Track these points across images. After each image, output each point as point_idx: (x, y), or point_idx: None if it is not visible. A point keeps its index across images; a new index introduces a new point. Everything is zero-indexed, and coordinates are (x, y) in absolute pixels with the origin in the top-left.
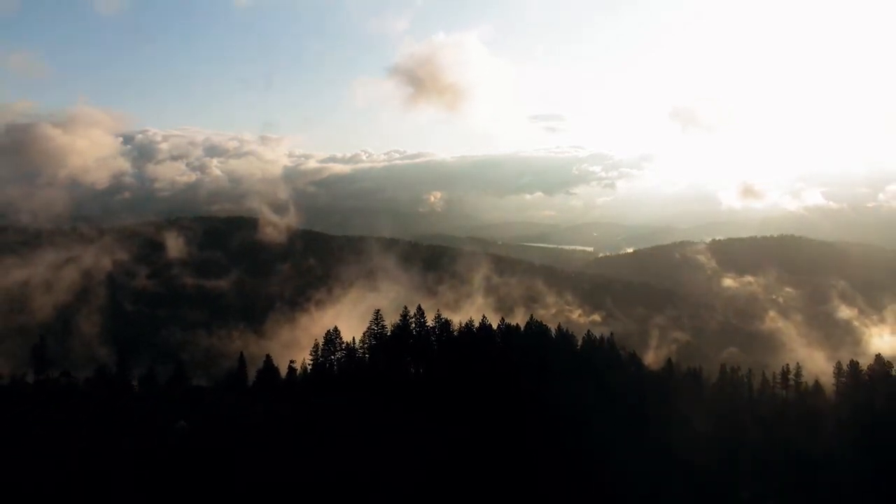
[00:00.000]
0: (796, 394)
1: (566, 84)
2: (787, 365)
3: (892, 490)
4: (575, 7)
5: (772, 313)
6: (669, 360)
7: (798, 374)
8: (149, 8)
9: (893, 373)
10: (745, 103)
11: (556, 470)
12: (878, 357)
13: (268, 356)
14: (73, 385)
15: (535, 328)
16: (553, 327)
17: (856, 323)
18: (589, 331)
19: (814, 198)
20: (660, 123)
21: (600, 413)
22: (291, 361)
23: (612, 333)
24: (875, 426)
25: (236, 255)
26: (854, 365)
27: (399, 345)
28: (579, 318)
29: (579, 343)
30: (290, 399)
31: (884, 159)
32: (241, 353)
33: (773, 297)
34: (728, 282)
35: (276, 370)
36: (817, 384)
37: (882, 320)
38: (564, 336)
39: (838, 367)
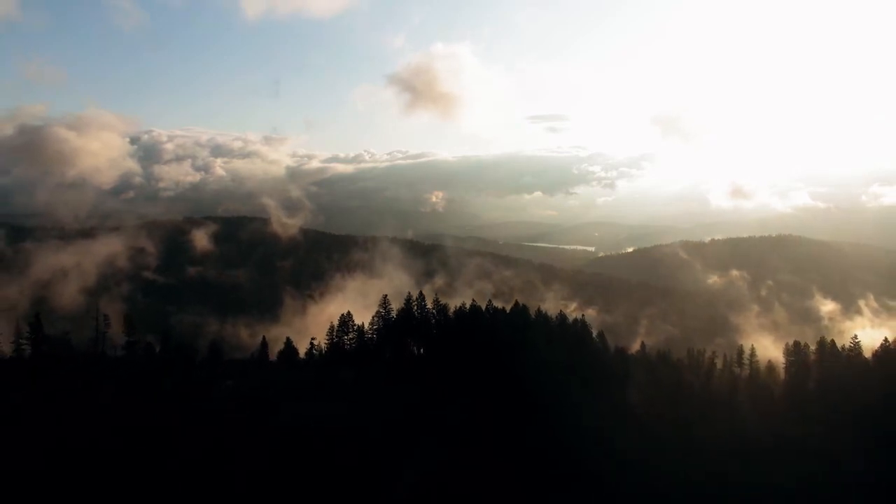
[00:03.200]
0: (750, 371)
1: (567, 85)
2: (742, 346)
3: (803, 452)
4: (575, 10)
5: (758, 308)
6: (643, 343)
7: (752, 355)
8: (162, 19)
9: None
10: (743, 105)
11: (531, 425)
12: (822, 340)
13: (288, 338)
14: (152, 353)
15: (518, 310)
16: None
17: (840, 317)
18: (561, 310)
19: (812, 198)
20: (660, 124)
21: (569, 380)
22: (313, 339)
23: (583, 315)
24: (806, 396)
25: (246, 251)
26: (797, 345)
27: (403, 326)
28: (574, 312)
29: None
30: (312, 369)
31: (870, 160)
32: (264, 337)
33: (763, 293)
34: (723, 279)
35: (295, 350)
36: (770, 364)
37: (859, 312)
38: (543, 317)
39: (786, 348)
